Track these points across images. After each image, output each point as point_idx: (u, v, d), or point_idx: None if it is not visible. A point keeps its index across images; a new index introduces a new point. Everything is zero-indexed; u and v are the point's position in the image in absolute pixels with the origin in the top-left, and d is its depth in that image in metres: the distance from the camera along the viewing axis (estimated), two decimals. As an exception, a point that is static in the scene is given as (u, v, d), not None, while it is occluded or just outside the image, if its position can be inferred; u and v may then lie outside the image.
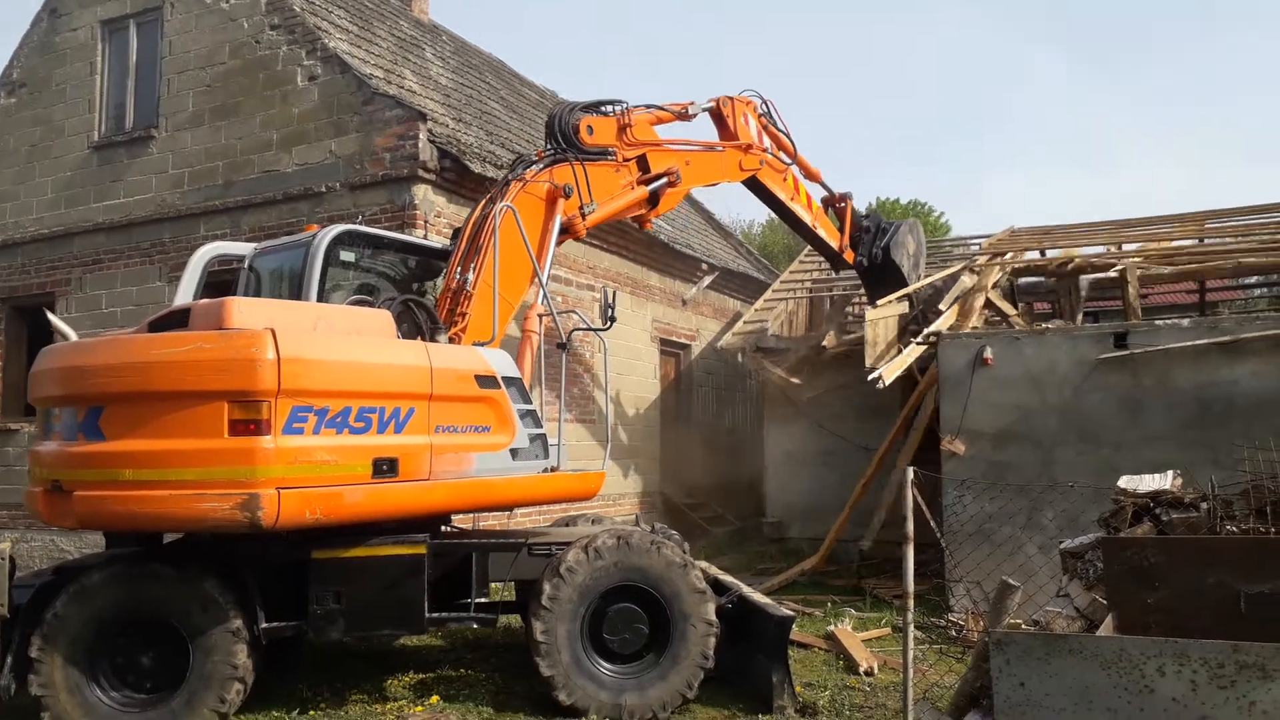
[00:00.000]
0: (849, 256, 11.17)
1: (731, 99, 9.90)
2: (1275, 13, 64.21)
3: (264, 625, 5.51)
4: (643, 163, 8.42)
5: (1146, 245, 11.74)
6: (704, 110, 9.66)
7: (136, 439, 5.09)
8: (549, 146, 7.86)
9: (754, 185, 10.10)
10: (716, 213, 21.03)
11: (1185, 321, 8.85)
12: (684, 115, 9.15)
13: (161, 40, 11.68)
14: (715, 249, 17.81)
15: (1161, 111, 65.24)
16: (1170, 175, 59.39)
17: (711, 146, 9.51)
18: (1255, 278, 11.52)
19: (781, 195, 10.25)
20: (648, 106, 8.71)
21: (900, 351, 10.29)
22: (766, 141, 10.20)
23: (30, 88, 12.61)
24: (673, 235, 15.29)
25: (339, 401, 5.32)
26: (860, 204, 11.38)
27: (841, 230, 11.05)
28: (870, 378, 10.02)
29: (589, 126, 7.90)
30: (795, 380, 12.31)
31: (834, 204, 11.12)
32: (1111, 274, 10.60)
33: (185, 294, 6.90)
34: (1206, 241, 11.84)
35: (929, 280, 11.60)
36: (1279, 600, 3.95)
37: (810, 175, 10.77)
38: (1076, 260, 11.28)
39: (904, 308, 11.30)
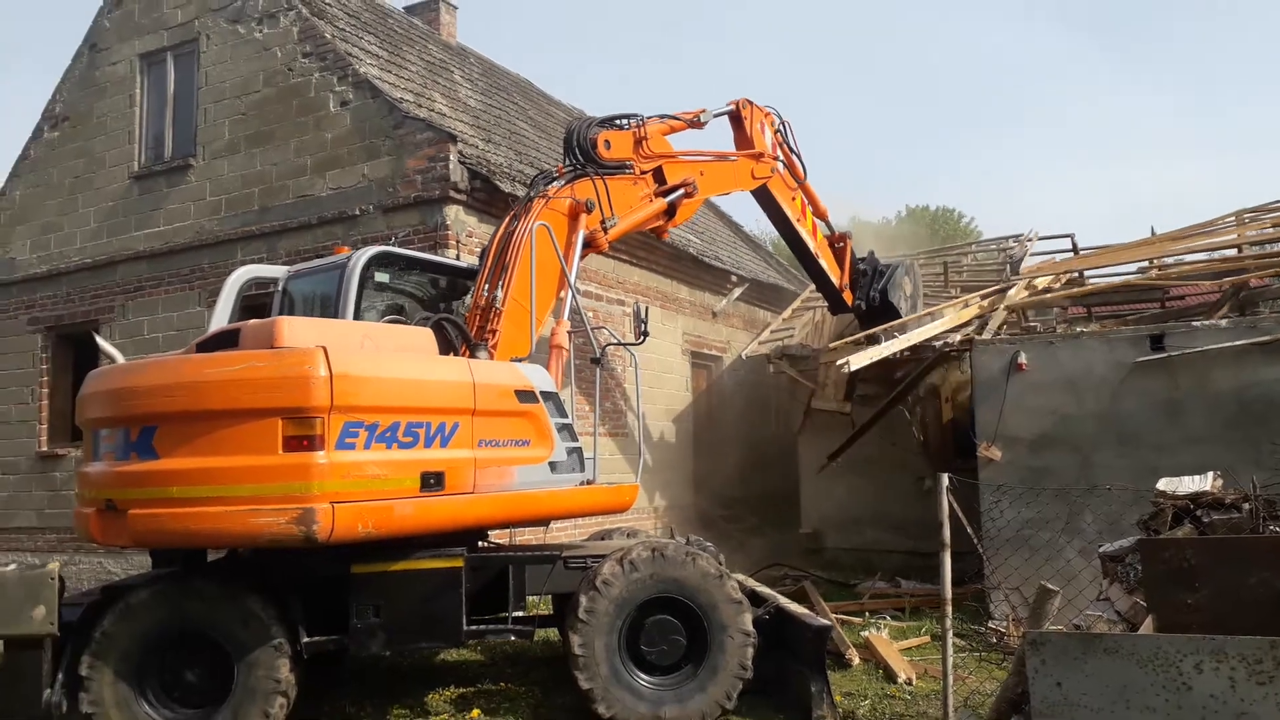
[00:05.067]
0: (848, 298, 11.23)
1: (751, 103, 10.02)
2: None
3: (305, 640, 5.59)
4: (659, 174, 8.52)
5: (1181, 261, 11.55)
6: (722, 114, 9.74)
7: (190, 457, 5.18)
8: (568, 162, 7.98)
9: (763, 197, 10.19)
10: (745, 224, 21.10)
11: (1223, 322, 8.73)
12: (695, 123, 9.24)
13: (198, 71, 11.96)
14: (744, 261, 17.84)
15: (1188, 101, 64.47)
16: (1202, 165, 58.51)
17: (724, 156, 9.63)
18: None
19: (789, 213, 10.32)
20: (661, 117, 8.81)
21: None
22: (779, 157, 10.30)
23: (72, 121, 12.97)
24: (701, 248, 15.34)
25: (388, 417, 5.42)
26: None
27: (841, 269, 11.07)
28: (838, 362, 10.11)
29: (606, 141, 7.99)
30: (824, 391, 12.22)
31: (834, 243, 11.14)
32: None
33: (221, 317, 7.03)
34: (1245, 240, 11.67)
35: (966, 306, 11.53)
36: (1323, 599, 3.89)
37: (818, 210, 10.82)
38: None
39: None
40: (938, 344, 10.30)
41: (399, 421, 5.47)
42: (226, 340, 5.67)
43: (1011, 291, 11.10)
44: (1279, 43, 65.20)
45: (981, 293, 11.84)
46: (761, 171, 9.91)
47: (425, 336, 6.17)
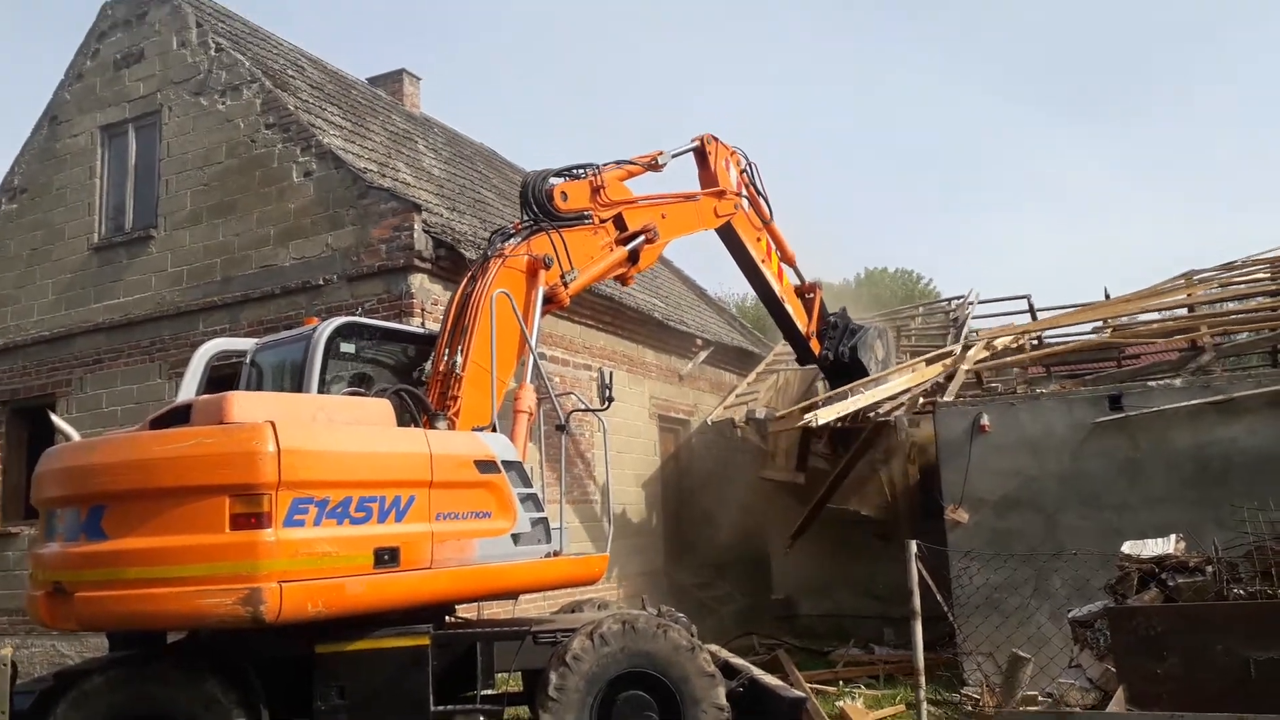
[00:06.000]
0: (815, 346, 11.12)
1: (716, 139, 9.96)
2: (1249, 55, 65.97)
3: (268, 724, 5.42)
4: (619, 220, 8.41)
5: (1135, 321, 11.85)
6: (683, 153, 9.66)
7: (138, 537, 5.05)
8: (525, 217, 7.86)
9: (728, 237, 10.10)
10: (709, 288, 21.30)
11: (1178, 381, 8.91)
12: (654, 166, 9.13)
13: (160, 143, 11.95)
14: (709, 324, 17.98)
15: (1137, 159, 66.76)
16: (1150, 227, 60.27)
17: (687, 196, 9.48)
18: (1245, 335, 11.59)
19: (753, 254, 10.22)
20: (618, 163, 8.68)
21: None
22: (745, 195, 10.26)
23: (31, 193, 12.86)
24: (667, 312, 15.45)
25: (339, 492, 5.32)
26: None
27: (810, 318, 11.02)
28: (806, 417, 10.14)
29: (563, 193, 7.88)
30: (783, 457, 12.09)
31: (804, 293, 11.05)
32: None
33: (188, 390, 6.94)
34: (1196, 300, 12.00)
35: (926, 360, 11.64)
36: (1289, 664, 3.92)
37: (785, 255, 10.71)
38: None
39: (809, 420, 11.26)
40: (895, 404, 10.33)
41: (351, 496, 5.37)
42: (179, 416, 5.57)
43: (971, 352, 11.25)
44: (1216, 116, 67.82)
45: (926, 357, 11.96)
46: (725, 209, 9.79)
47: (382, 408, 6.08)
